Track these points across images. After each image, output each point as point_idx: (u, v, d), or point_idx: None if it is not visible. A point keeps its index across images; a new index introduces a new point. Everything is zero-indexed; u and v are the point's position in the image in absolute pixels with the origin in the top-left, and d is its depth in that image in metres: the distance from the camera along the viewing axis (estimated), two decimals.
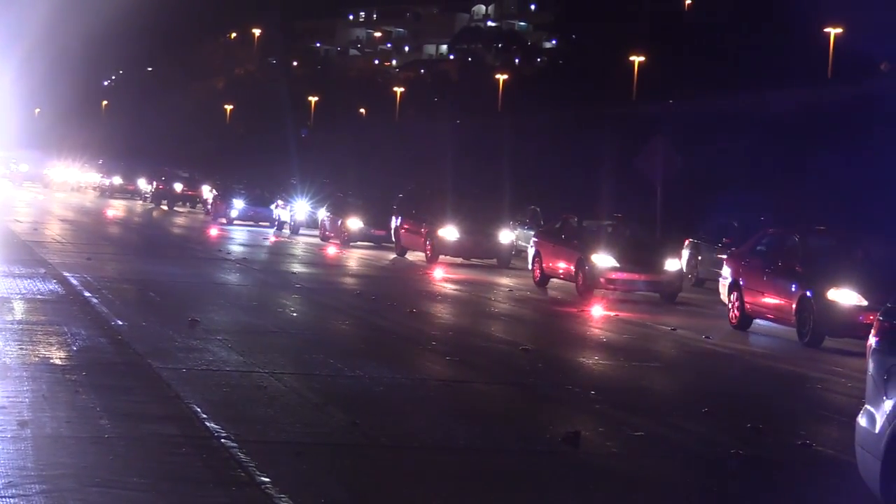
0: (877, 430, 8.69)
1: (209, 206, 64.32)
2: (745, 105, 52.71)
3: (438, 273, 33.63)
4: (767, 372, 18.94)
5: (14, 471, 9.48)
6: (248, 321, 20.19)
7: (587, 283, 28.61)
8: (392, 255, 39.67)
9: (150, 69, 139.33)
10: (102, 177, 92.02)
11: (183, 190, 75.11)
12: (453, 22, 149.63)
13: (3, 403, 11.84)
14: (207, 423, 11.59)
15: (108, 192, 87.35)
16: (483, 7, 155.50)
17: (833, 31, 61.75)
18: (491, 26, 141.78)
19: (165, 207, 73.16)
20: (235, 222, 56.56)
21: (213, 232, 48.73)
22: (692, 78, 62.89)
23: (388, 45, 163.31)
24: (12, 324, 17.44)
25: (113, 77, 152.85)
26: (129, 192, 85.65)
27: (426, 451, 11.34)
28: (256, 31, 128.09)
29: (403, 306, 23.61)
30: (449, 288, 29.49)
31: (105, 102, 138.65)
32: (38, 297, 21.13)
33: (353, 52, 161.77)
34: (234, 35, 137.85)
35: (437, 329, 20.96)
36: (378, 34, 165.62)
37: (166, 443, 10.73)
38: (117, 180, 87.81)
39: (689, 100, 58.96)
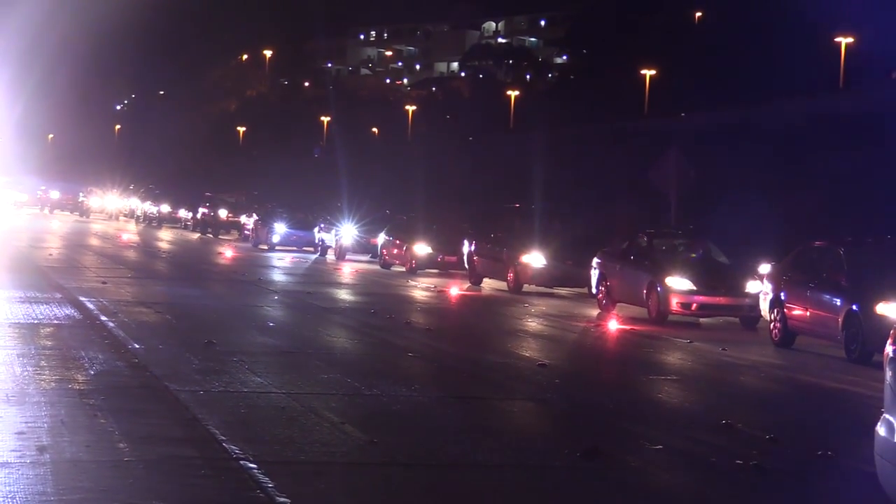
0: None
1: (246, 232, 60.56)
2: (757, 116, 52.73)
3: (524, 304, 30.43)
4: (792, 384, 18.87)
5: (34, 496, 9.49)
6: (269, 342, 20.20)
7: (661, 309, 26.44)
8: (453, 284, 35.28)
9: (161, 93, 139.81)
10: (151, 203, 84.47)
11: (228, 216, 69.43)
12: (464, 39, 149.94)
13: (22, 429, 11.86)
14: (226, 445, 11.60)
15: (156, 222, 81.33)
16: (493, 24, 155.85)
17: (844, 41, 61.78)
18: (501, 43, 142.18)
19: (211, 235, 67.64)
20: (277, 248, 52.88)
21: (263, 262, 44.07)
22: (703, 91, 62.94)
23: (400, 64, 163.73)
24: (30, 349, 17.47)
25: (125, 101, 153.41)
26: (180, 221, 78.94)
27: (444, 468, 11.33)
28: (268, 53, 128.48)
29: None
30: (534, 321, 27.00)
31: (118, 127, 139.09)
32: (55, 321, 21.17)
33: (364, 71, 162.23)
34: (245, 57, 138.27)
35: (464, 350, 20.94)
36: (389, 53, 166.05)
37: (185, 465, 10.74)
38: (165, 208, 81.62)
39: (700, 113, 59.01)
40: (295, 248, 52.48)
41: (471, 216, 41.74)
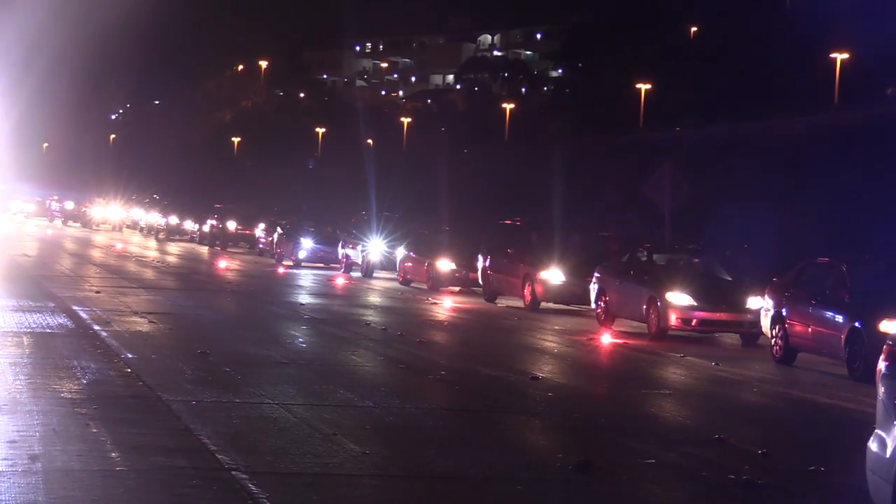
0: (887, 455, 8.67)
1: (261, 245, 58.05)
2: (752, 131, 52.78)
3: (529, 319, 29.52)
4: (788, 400, 18.85)
5: None
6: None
7: (660, 324, 25.89)
8: (466, 301, 34.72)
9: (157, 102, 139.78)
10: (159, 214, 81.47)
11: (237, 229, 65.58)
12: (459, 52, 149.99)
13: (14, 437, 11.85)
14: (218, 455, 11.59)
15: (163, 234, 77.97)
16: (489, 37, 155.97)
17: (839, 57, 61.87)
18: (497, 56, 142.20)
19: (219, 247, 64.60)
20: (304, 264, 49.05)
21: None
22: (699, 105, 63.03)
23: (395, 76, 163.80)
24: (22, 358, 17.45)
25: (120, 111, 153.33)
26: (187, 233, 75.58)
27: (436, 480, 11.33)
28: (263, 64, 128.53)
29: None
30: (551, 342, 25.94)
31: (113, 136, 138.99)
32: (48, 330, 21.15)
33: (359, 82, 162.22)
34: (241, 67, 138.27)
35: (445, 359, 20.93)
36: (385, 65, 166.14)
37: (177, 475, 10.73)
38: (173, 219, 78.20)
39: (695, 127, 59.08)
40: (322, 265, 48.96)
41: (485, 230, 39.43)
